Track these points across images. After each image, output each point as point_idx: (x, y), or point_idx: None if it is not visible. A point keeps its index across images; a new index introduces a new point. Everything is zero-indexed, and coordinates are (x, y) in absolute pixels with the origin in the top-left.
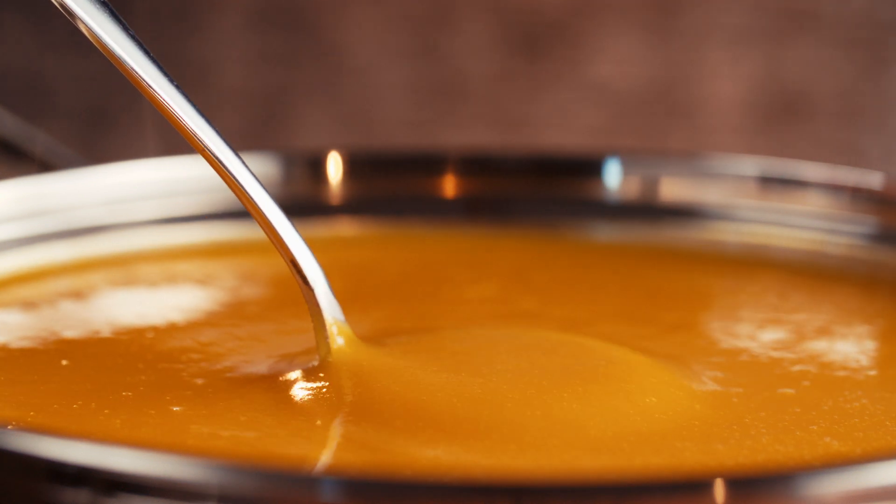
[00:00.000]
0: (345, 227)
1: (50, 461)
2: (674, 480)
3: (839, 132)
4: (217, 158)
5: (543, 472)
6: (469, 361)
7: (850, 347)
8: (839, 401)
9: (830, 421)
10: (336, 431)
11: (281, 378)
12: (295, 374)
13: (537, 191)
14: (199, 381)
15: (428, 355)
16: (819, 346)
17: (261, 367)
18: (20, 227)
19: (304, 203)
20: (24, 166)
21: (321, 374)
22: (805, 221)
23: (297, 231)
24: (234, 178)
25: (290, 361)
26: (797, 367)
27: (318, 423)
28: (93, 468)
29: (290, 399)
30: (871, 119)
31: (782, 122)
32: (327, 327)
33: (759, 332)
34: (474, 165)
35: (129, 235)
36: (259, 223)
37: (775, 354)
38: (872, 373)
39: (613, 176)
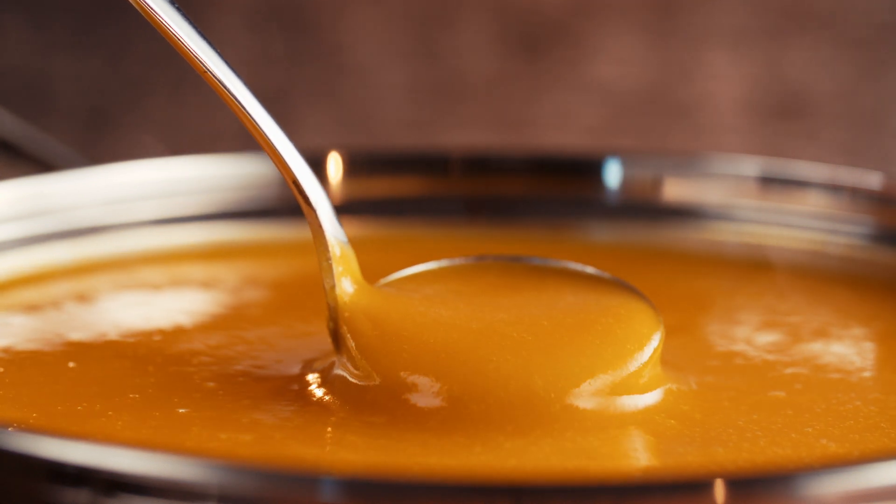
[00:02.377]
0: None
1: (50, 461)
2: (674, 481)
3: (839, 132)
4: (219, 80)
5: (543, 473)
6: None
7: (846, 349)
8: (832, 403)
9: (825, 423)
10: (341, 436)
11: (290, 381)
12: (303, 378)
13: (537, 191)
14: (211, 384)
15: (437, 331)
16: (814, 348)
17: (271, 370)
18: (20, 228)
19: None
20: (24, 166)
21: (329, 378)
22: (805, 221)
23: (298, 152)
24: (236, 98)
25: (300, 365)
26: (790, 370)
27: (322, 425)
28: (92, 468)
29: (295, 403)
30: (871, 119)
31: (782, 122)
32: (329, 248)
33: (755, 334)
34: (474, 165)
35: (130, 236)
36: (261, 144)
37: (770, 357)
38: (866, 374)
39: (613, 176)
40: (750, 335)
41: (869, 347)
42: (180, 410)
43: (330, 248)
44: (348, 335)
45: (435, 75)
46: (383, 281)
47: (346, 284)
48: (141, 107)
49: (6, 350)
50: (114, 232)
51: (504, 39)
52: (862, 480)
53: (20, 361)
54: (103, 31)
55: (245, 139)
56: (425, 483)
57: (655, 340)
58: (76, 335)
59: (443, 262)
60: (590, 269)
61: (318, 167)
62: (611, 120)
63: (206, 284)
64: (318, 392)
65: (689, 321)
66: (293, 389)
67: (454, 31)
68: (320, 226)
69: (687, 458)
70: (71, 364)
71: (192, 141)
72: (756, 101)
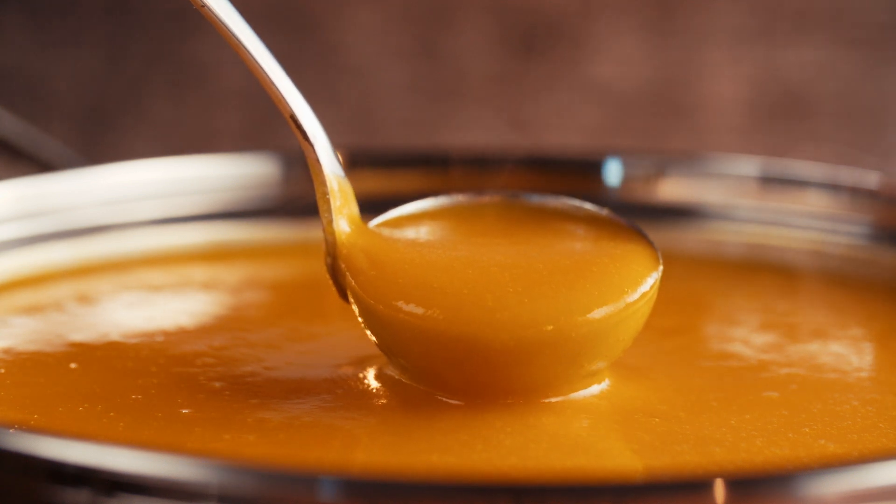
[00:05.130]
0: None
1: (50, 461)
2: (674, 481)
3: (839, 132)
4: (216, 16)
5: (543, 472)
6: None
7: (844, 350)
8: (829, 403)
9: (822, 423)
10: (345, 435)
11: (295, 382)
12: (310, 379)
13: (537, 191)
14: (216, 385)
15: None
16: (811, 348)
17: (277, 372)
18: (20, 228)
19: (304, 203)
20: (24, 166)
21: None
22: (805, 221)
23: (297, 87)
24: (234, 34)
25: (307, 366)
26: (786, 371)
27: (328, 425)
28: (92, 468)
29: (301, 404)
30: (871, 119)
31: (782, 122)
32: (327, 182)
33: (752, 334)
34: (474, 165)
35: (130, 236)
36: (260, 80)
37: (766, 357)
38: (864, 375)
39: (613, 176)
40: (747, 335)
41: (867, 348)
42: (183, 411)
43: (327, 183)
44: (347, 273)
45: (435, 75)
46: (381, 218)
47: (345, 220)
48: (140, 107)
49: (7, 351)
50: (114, 232)
51: (504, 39)
52: (862, 480)
53: (21, 362)
54: (103, 31)
55: (242, 140)
56: (426, 483)
57: (651, 280)
58: (77, 336)
59: (441, 200)
60: (588, 206)
61: None
62: (611, 120)
63: (207, 285)
64: (324, 393)
65: (687, 322)
66: (300, 390)
67: (454, 31)
68: (318, 160)
69: (684, 458)
70: (72, 365)
71: (192, 141)
72: (756, 101)
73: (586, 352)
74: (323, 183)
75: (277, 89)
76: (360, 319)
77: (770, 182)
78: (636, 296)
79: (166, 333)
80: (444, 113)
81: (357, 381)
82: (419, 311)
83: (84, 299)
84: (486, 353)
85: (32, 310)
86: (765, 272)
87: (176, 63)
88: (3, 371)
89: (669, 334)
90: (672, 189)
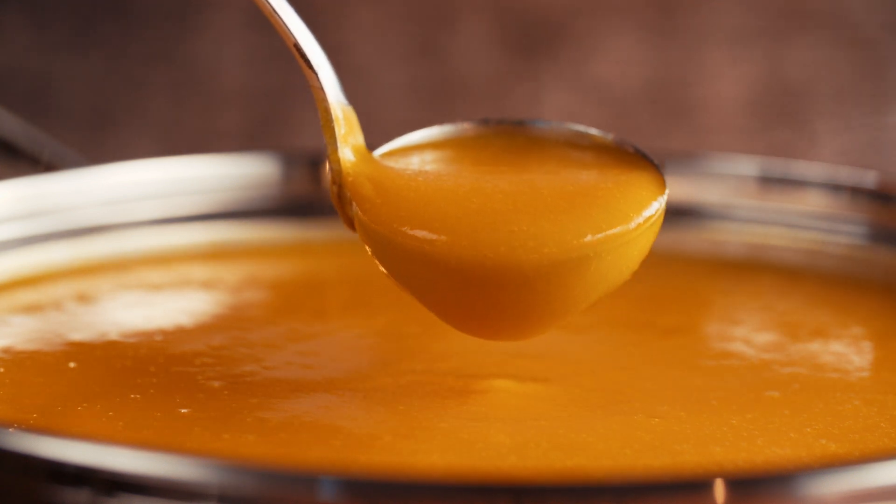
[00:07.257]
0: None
1: (50, 461)
2: (674, 481)
3: (839, 132)
4: None
5: (543, 472)
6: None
7: (844, 349)
8: (830, 403)
9: (824, 423)
10: (346, 434)
11: (296, 382)
12: (310, 379)
13: None
14: (214, 384)
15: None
16: (812, 348)
17: (277, 372)
18: (20, 228)
19: (303, 203)
20: (24, 166)
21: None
22: (804, 221)
23: (300, 17)
24: None
25: (306, 367)
26: (787, 370)
27: (328, 425)
28: (92, 468)
29: (301, 404)
30: (870, 119)
31: (782, 122)
32: (332, 110)
33: (753, 334)
34: None
35: (130, 236)
36: (262, 9)
37: (766, 357)
38: (865, 374)
39: None
40: (748, 335)
41: (868, 347)
42: (182, 410)
43: (332, 111)
44: (353, 200)
45: (435, 75)
46: (386, 147)
47: (349, 149)
48: (141, 107)
49: (7, 350)
50: (114, 232)
51: (504, 39)
52: (863, 480)
53: (21, 362)
54: (103, 30)
55: (242, 140)
56: (426, 483)
57: (657, 205)
58: (77, 335)
59: (446, 129)
60: (594, 132)
61: (318, 167)
62: (611, 120)
63: (207, 285)
64: (324, 392)
65: (688, 321)
66: (299, 390)
67: (454, 31)
68: (322, 88)
69: (684, 458)
70: (72, 364)
71: (192, 141)
72: (756, 101)
73: (590, 277)
74: (327, 110)
75: (280, 18)
76: (366, 248)
77: (770, 182)
78: (640, 219)
79: (165, 333)
80: (444, 113)
81: (357, 380)
82: (425, 236)
83: (84, 299)
84: (489, 277)
85: (32, 309)
86: (765, 272)
87: (176, 63)
88: (2, 371)
89: (669, 334)
90: (672, 189)
